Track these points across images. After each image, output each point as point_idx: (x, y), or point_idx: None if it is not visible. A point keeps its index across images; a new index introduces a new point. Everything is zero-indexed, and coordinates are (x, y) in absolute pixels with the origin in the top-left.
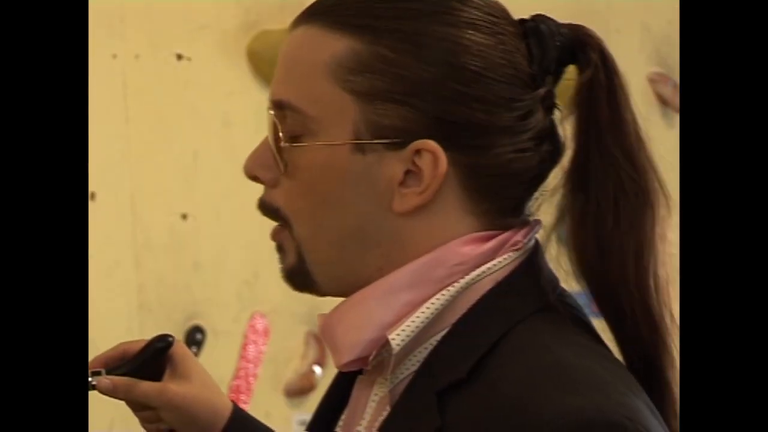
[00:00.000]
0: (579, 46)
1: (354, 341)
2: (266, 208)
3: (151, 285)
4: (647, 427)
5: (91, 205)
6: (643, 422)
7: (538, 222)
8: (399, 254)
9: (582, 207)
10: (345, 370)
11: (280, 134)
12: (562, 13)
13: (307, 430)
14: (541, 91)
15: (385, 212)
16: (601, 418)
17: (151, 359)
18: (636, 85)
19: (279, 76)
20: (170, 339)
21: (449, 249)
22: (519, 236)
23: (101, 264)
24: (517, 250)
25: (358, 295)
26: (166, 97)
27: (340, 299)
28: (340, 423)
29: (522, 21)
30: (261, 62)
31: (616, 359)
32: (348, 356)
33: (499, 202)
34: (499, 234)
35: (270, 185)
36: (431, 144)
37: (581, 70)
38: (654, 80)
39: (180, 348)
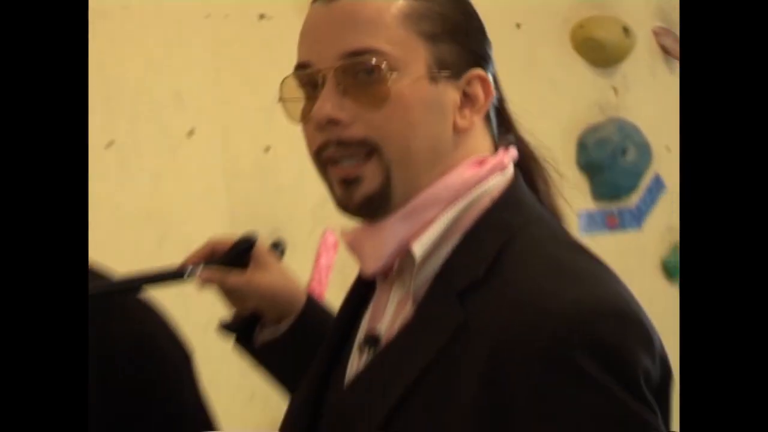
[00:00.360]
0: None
1: (381, 253)
2: (347, 143)
3: (240, 207)
4: (638, 313)
5: (189, 140)
6: (635, 309)
7: (512, 147)
8: (448, 170)
9: None
10: (371, 277)
11: (382, 71)
12: None
13: (332, 331)
14: None
15: (449, 132)
16: (608, 306)
17: (239, 255)
18: (643, 37)
19: (350, 31)
20: (254, 238)
21: (455, 174)
22: (506, 159)
23: (198, 190)
24: (503, 172)
25: (387, 220)
26: (251, 50)
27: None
28: (363, 322)
29: None
30: None
31: (595, 254)
32: (376, 265)
33: (494, 127)
34: (490, 158)
35: (348, 122)
36: (482, 72)
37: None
38: (658, 33)
39: (261, 246)
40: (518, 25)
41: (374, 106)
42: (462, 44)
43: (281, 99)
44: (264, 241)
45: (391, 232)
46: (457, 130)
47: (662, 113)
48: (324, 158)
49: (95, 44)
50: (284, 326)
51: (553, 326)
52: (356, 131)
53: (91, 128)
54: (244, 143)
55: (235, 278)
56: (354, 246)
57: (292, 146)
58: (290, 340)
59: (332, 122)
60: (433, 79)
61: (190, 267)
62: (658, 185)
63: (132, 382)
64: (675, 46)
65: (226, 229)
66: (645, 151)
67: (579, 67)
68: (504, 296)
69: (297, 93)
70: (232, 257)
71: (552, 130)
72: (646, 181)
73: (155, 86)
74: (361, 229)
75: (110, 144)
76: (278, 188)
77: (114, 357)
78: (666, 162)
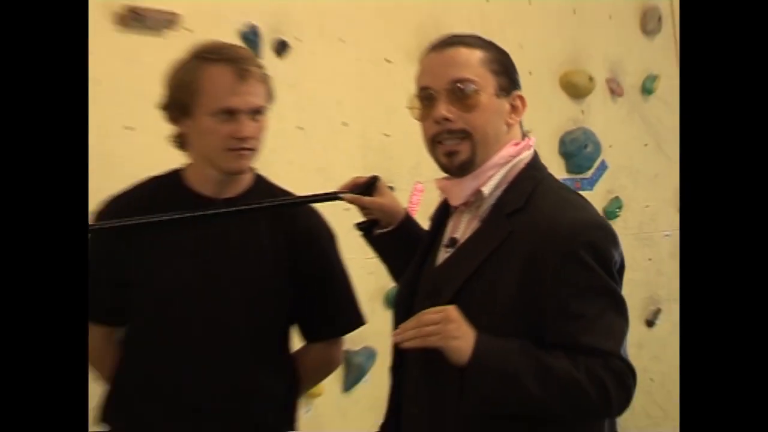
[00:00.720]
0: None
1: (464, 194)
2: (455, 131)
3: (370, 167)
4: (610, 226)
5: (344, 128)
6: (608, 224)
7: (533, 136)
8: (501, 148)
9: None
10: (453, 207)
11: (473, 91)
12: (559, 56)
13: (424, 239)
14: None
15: (504, 127)
16: (595, 222)
17: (368, 187)
18: (599, 82)
19: (454, 67)
20: (377, 177)
21: (504, 151)
22: (531, 142)
23: (347, 156)
24: (529, 149)
25: (468, 176)
26: (380, 79)
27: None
28: (446, 234)
29: None
30: None
31: (580, 194)
32: (459, 201)
33: (522, 125)
34: (521, 142)
35: (454, 120)
36: (520, 92)
37: None
38: (608, 80)
39: (381, 182)
40: (530, 72)
41: (469, 111)
42: (510, 76)
43: (410, 107)
44: (383, 181)
45: (469, 183)
46: (507, 126)
47: (608, 125)
48: (437, 141)
49: (294, 68)
50: (391, 228)
51: (566, 235)
52: (459, 125)
53: (287, 117)
54: (374, 132)
55: (366, 199)
56: (445, 189)
57: (403, 134)
58: (393, 236)
59: (445, 120)
60: (498, 96)
61: (342, 193)
62: (603, 166)
63: (306, 249)
64: (617, 89)
65: (357, 160)
66: (597, 147)
67: (563, 98)
68: (534, 218)
69: (417, 104)
70: (365, 188)
71: (546, 133)
72: (597, 163)
73: (326, 95)
74: (451, 181)
75: (300, 128)
76: (391, 157)
77: (297, 236)
78: (608, 153)
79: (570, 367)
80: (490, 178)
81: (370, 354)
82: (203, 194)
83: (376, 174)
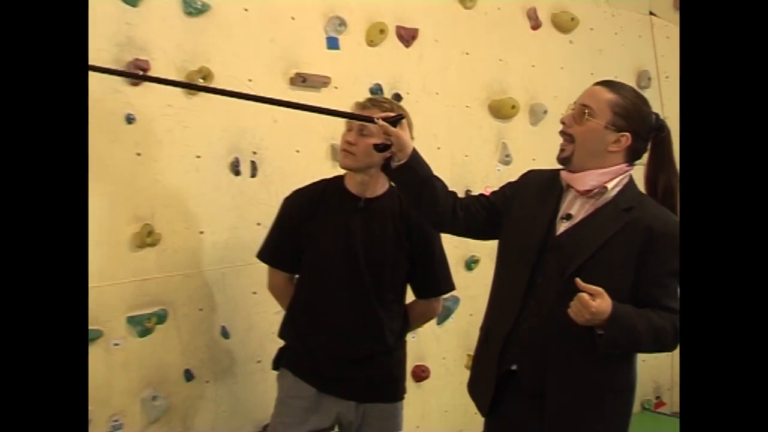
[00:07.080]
0: (660, 123)
1: (590, 184)
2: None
3: (456, 179)
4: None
5: (439, 152)
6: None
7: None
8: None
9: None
10: (579, 192)
11: None
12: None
13: (536, 206)
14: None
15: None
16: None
17: (396, 120)
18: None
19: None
20: (402, 115)
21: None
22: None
23: (442, 172)
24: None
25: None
26: (461, 120)
27: None
28: (561, 208)
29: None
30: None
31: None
32: (586, 188)
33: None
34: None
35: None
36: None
37: (661, 132)
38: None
39: (404, 120)
40: (592, 73)
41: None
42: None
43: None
44: (405, 121)
45: (597, 178)
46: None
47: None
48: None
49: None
50: (403, 161)
51: (674, 234)
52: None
53: (424, 133)
54: (458, 153)
55: (392, 129)
56: (571, 179)
57: (476, 156)
58: (405, 168)
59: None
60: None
61: (377, 118)
62: None
63: (417, 236)
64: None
65: (447, 172)
66: None
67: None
68: (648, 217)
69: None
70: (394, 121)
71: None
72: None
73: (426, 130)
74: (576, 174)
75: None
76: (469, 170)
77: (412, 226)
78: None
79: (658, 318)
80: (612, 179)
81: (455, 300)
82: (352, 192)
83: (402, 113)
